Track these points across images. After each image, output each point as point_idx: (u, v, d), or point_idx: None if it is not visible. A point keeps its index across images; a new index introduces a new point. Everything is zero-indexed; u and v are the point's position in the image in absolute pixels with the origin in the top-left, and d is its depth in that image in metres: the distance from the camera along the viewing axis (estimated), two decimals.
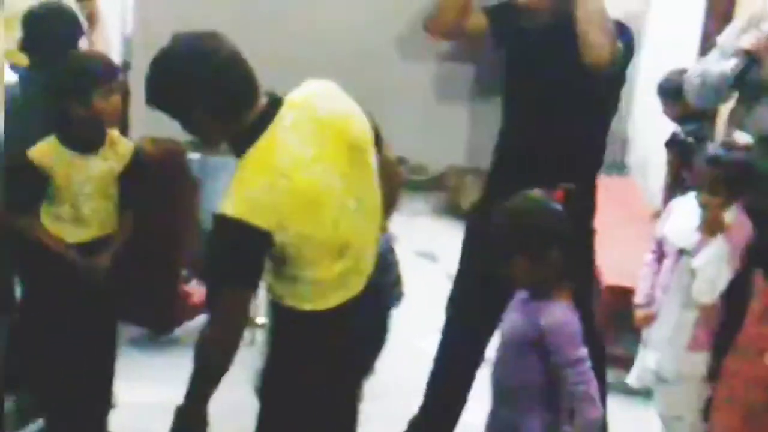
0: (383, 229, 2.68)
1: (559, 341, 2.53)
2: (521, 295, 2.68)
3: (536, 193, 2.63)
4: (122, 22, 4.17)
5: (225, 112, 2.32)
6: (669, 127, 4.47)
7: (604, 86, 3.04)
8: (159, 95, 2.32)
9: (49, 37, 3.34)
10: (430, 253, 5.22)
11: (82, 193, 3.11)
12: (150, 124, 3.30)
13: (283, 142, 2.32)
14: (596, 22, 2.87)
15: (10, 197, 3.00)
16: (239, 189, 2.30)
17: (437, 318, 4.48)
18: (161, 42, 3.16)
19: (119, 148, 3.18)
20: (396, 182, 2.73)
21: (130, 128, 3.42)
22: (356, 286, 2.50)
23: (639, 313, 3.40)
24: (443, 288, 4.82)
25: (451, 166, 3.26)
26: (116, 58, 4.11)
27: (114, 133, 3.21)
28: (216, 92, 2.29)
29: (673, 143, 4.33)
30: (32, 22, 3.39)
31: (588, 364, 2.54)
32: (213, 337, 2.37)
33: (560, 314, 2.56)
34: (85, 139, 3.10)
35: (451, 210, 5.62)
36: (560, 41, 2.96)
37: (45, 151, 3.09)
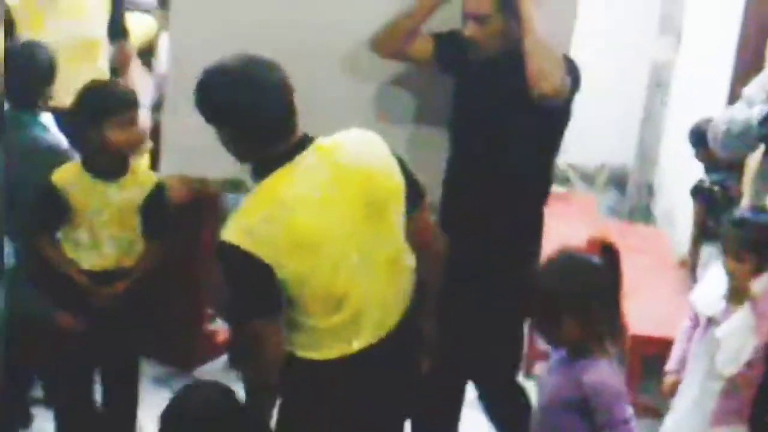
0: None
1: (604, 401, 2.45)
2: (557, 354, 2.60)
3: (576, 250, 2.59)
4: (156, 60, 4.28)
5: (252, 138, 2.35)
6: (696, 175, 4.46)
7: (550, 120, 3.01)
8: (199, 101, 2.39)
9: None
10: None
11: (98, 220, 3.11)
12: (182, 162, 3.34)
13: (295, 179, 2.32)
14: (544, 52, 2.87)
15: (32, 218, 3.07)
16: (239, 216, 2.34)
17: None
18: (194, 80, 3.24)
19: (141, 179, 3.19)
20: (433, 252, 2.63)
21: (160, 163, 3.43)
22: (359, 341, 2.43)
23: (667, 380, 3.31)
24: None
25: None
26: (150, 95, 4.17)
27: (138, 163, 3.24)
28: (248, 119, 2.33)
29: (698, 192, 4.31)
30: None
31: (633, 423, 2.47)
32: (245, 376, 2.43)
33: (605, 373, 2.48)
34: (104, 166, 3.11)
35: None
36: (506, 74, 2.95)
37: (66, 174, 3.12)
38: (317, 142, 2.38)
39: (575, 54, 3.26)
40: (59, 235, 3.15)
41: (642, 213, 5.73)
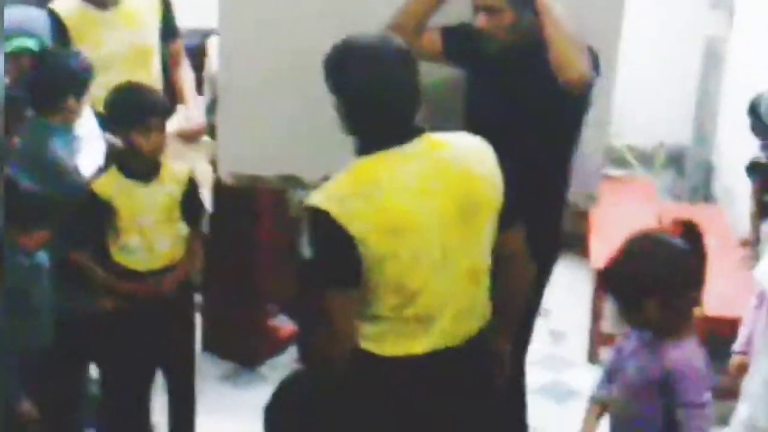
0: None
1: (685, 382, 2.43)
2: (637, 337, 2.58)
3: (657, 231, 2.58)
4: (208, 60, 4.35)
5: (369, 118, 2.34)
6: (755, 152, 4.39)
7: (566, 111, 2.96)
8: (329, 71, 2.37)
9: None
10: None
11: (148, 222, 3.17)
12: (238, 161, 3.38)
13: (396, 163, 2.32)
14: (568, 39, 2.83)
15: (74, 231, 3.10)
16: (333, 186, 2.33)
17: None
18: (245, 81, 3.27)
19: (176, 175, 3.26)
20: (518, 273, 2.58)
21: (217, 164, 3.48)
22: (425, 343, 2.37)
23: (734, 360, 3.27)
24: None
25: None
26: (203, 96, 4.23)
27: (167, 160, 3.27)
28: (372, 97, 2.31)
29: (754, 169, 4.24)
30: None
31: (710, 410, 2.44)
32: (311, 350, 2.43)
33: (688, 354, 2.46)
34: (138, 169, 3.17)
35: None
36: (519, 66, 2.92)
37: (106, 182, 3.18)
38: (428, 135, 2.38)
39: (627, 36, 3.24)
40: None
41: (701, 193, 5.65)
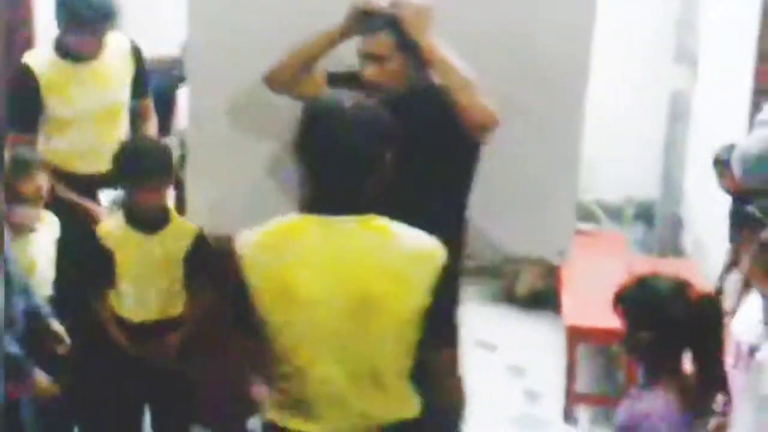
0: None
1: None
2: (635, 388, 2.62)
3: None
4: (175, 117, 4.35)
5: (302, 174, 2.23)
6: (724, 205, 4.40)
7: (457, 162, 2.93)
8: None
9: None
10: (488, 342, 5.15)
11: (143, 273, 3.15)
12: (207, 218, 3.32)
13: (318, 234, 2.16)
14: (472, 84, 2.77)
15: (81, 273, 3.16)
16: (260, 232, 2.21)
17: (499, 409, 4.41)
18: (213, 138, 3.25)
19: (182, 230, 3.22)
20: (442, 405, 2.35)
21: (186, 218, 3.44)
22: (317, 429, 2.23)
23: (712, 423, 3.23)
24: (503, 378, 4.76)
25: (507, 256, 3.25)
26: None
27: (177, 217, 3.26)
28: (300, 160, 2.21)
29: (745, 220, 4.18)
30: None
31: None
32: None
33: (656, 406, 2.46)
34: (144, 220, 3.16)
35: (508, 297, 5.56)
36: (407, 116, 2.70)
37: (110, 228, 3.19)
38: (374, 217, 2.19)
39: (592, 91, 3.24)
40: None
41: (671, 246, 5.65)
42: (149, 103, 4.05)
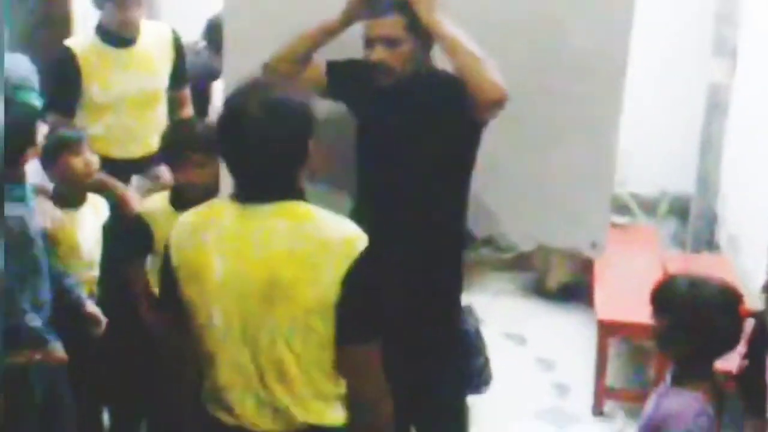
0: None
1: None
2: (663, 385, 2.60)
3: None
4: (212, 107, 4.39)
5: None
6: (758, 202, 4.34)
7: (465, 144, 2.90)
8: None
9: None
10: (517, 335, 5.12)
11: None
12: None
13: (235, 218, 2.14)
14: (481, 61, 2.74)
15: (120, 247, 3.22)
16: (189, 213, 2.26)
17: (527, 402, 4.39)
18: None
19: None
20: (361, 410, 2.18)
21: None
22: (231, 417, 2.19)
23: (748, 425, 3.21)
24: (532, 371, 4.74)
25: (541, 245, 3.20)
26: None
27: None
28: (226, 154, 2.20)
29: None
30: None
31: None
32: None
33: (683, 404, 2.45)
34: (188, 200, 3.10)
35: (538, 290, 5.53)
36: (419, 98, 2.85)
37: (152, 205, 3.24)
38: (296, 203, 2.14)
39: (630, 84, 3.20)
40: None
41: (705, 241, 5.59)
42: (187, 93, 4.09)
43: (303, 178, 2.18)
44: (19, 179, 2.88)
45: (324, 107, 2.90)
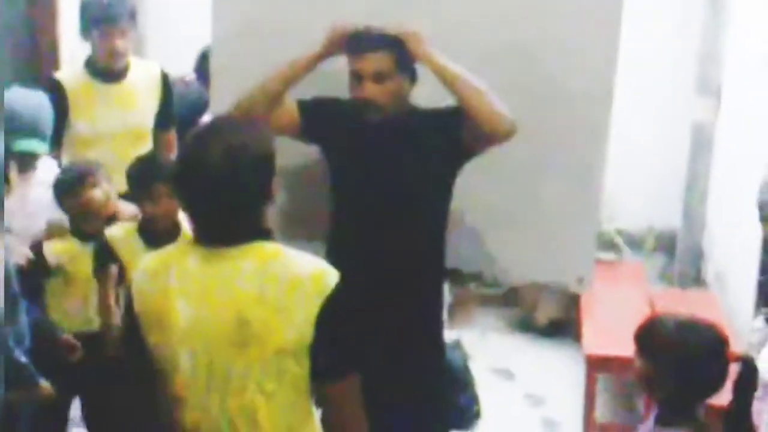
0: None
1: None
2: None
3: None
4: None
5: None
6: (744, 238, 4.38)
7: (449, 174, 2.93)
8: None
9: None
10: (506, 370, 5.12)
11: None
12: None
13: (199, 261, 2.07)
14: (486, 94, 2.76)
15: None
16: (152, 257, 2.20)
17: None
18: None
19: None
20: None
21: None
22: None
23: None
24: (521, 407, 4.74)
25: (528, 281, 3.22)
26: None
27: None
28: (176, 192, 2.18)
29: None
30: None
31: None
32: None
33: None
34: (153, 233, 3.19)
35: (526, 325, 5.54)
36: (407, 135, 2.85)
37: (118, 233, 3.24)
38: (262, 244, 2.06)
39: (616, 121, 3.24)
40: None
41: (692, 277, 5.62)
42: (173, 135, 4.08)
43: (267, 216, 2.11)
44: None
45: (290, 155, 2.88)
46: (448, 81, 2.81)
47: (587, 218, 3.26)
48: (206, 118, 3.86)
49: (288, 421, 2.09)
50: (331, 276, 2.03)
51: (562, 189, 3.19)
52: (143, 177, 3.19)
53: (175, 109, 4.14)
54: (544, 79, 3.15)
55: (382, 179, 2.91)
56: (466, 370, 4.30)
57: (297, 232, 3.00)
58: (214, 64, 3.32)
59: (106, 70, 3.82)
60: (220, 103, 3.14)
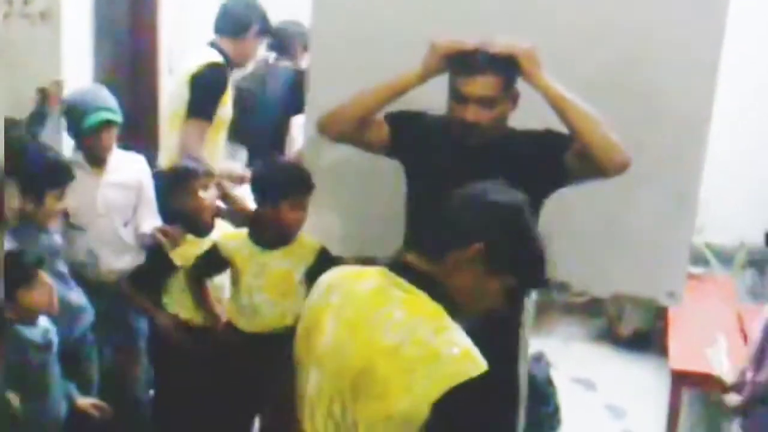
0: None
1: None
2: None
3: None
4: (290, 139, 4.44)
5: None
6: None
7: (537, 207, 2.66)
8: None
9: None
10: (587, 380, 5.07)
11: (255, 285, 3.23)
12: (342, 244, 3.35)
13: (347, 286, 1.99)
14: (603, 125, 2.59)
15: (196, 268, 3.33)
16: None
17: None
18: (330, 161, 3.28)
19: (304, 249, 3.28)
20: None
21: None
22: None
23: None
24: (602, 418, 4.68)
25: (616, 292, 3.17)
26: None
27: (303, 234, 3.30)
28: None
29: None
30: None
31: None
32: None
33: None
34: (271, 238, 3.24)
35: (609, 336, 5.47)
36: (506, 160, 2.59)
37: (230, 239, 3.32)
38: (429, 301, 1.89)
39: (710, 132, 3.18)
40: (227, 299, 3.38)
41: None
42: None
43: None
44: None
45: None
46: (560, 108, 2.63)
47: (681, 230, 3.20)
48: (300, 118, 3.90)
49: None
50: (473, 366, 1.79)
51: (656, 200, 3.14)
52: (288, 185, 3.17)
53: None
54: (640, 86, 3.10)
55: None
56: (549, 382, 4.27)
57: (372, 251, 2.99)
58: (312, 69, 3.33)
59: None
60: (315, 108, 3.12)
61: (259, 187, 3.27)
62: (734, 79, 4.92)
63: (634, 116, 3.05)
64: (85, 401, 3.05)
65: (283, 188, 3.16)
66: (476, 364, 1.79)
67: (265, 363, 3.17)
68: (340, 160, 3.25)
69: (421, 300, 1.88)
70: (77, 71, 3.97)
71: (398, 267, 1.94)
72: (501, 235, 1.90)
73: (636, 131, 3.01)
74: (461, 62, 2.66)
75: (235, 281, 3.29)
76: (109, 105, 3.52)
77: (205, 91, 3.90)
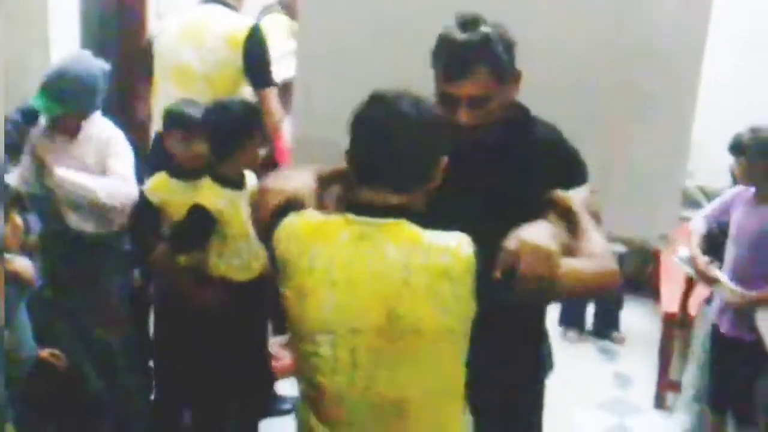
0: None
1: None
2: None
3: None
4: None
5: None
6: None
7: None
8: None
9: None
10: (578, 324, 5.10)
11: (241, 234, 3.20)
12: None
13: (349, 237, 1.95)
14: (594, 285, 2.22)
15: (182, 237, 3.21)
16: (307, 218, 2.03)
17: (589, 392, 4.38)
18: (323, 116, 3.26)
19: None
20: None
21: None
22: None
23: None
24: (595, 362, 4.73)
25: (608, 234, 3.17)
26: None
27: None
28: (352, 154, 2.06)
29: None
30: None
31: None
32: None
33: None
34: (233, 178, 3.21)
35: None
36: (498, 159, 2.42)
37: (206, 194, 3.19)
38: (404, 223, 1.93)
39: (703, 75, 3.17)
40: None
41: None
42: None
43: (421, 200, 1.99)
44: None
45: None
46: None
47: (673, 174, 3.19)
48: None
49: (438, 416, 1.99)
50: (467, 245, 1.90)
51: (648, 144, 3.13)
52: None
53: None
54: (631, 28, 3.07)
55: (477, 199, 2.43)
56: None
57: None
58: (297, 84, 3.28)
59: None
60: (297, 125, 3.11)
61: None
62: (729, 19, 4.90)
63: (625, 57, 3.03)
64: (44, 351, 3.04)
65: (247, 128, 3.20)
66: (465, 242, 1.90)
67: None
68: (332, 161, 3.22)
69: (399, 228, 1.92)
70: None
71: (359, 207, 1.96)
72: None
73: (626, 72, 2.99)
74: (445, 68, 2.39)
75: (221, 232, 3.19)
76: (62, 97, 3.36)
77: (264, 59, 3.92)
